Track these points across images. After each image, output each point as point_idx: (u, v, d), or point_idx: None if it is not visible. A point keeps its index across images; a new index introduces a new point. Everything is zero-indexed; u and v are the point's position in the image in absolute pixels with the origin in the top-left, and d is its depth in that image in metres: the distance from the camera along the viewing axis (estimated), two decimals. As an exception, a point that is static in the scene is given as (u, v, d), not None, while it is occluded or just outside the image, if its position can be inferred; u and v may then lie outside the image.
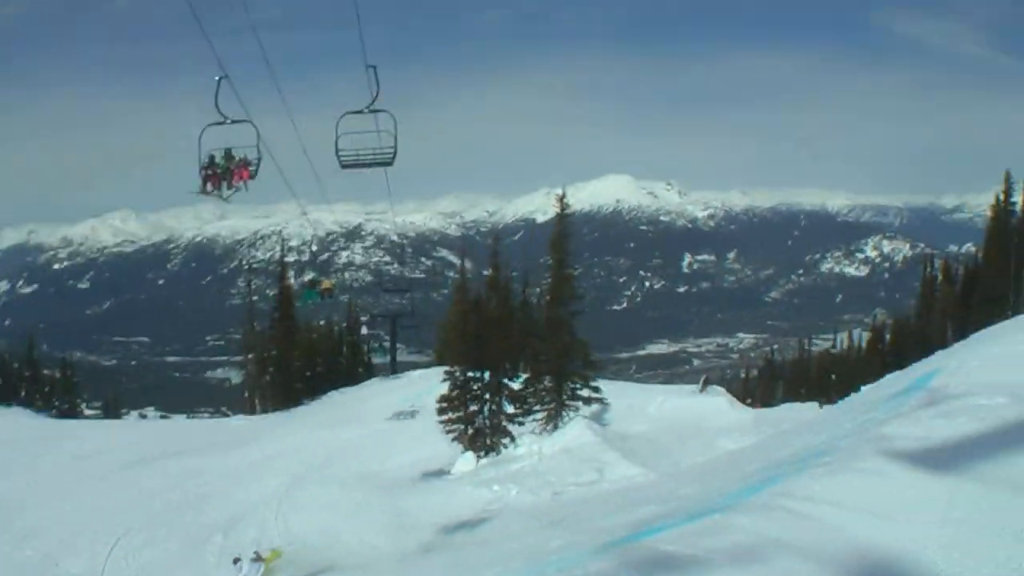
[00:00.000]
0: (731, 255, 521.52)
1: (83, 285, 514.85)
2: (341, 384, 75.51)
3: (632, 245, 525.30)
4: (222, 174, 21.40)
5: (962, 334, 48.82)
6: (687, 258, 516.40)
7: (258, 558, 27.03)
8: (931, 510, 13.29)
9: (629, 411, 46.96)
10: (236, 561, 27.08)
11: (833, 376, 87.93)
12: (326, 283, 48.49)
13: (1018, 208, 72.29)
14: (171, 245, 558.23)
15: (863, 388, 36.99)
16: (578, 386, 44.37)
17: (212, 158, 21.17)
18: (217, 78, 19.08)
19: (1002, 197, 73.30)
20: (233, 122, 19.95)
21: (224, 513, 34.90)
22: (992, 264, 72.05)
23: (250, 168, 21.34)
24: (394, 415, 55.12)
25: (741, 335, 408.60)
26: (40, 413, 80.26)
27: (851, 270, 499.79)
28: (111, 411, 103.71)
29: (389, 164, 21.31)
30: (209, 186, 21.47)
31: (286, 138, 21.91)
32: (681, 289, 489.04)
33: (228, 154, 21.28)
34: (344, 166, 21.14)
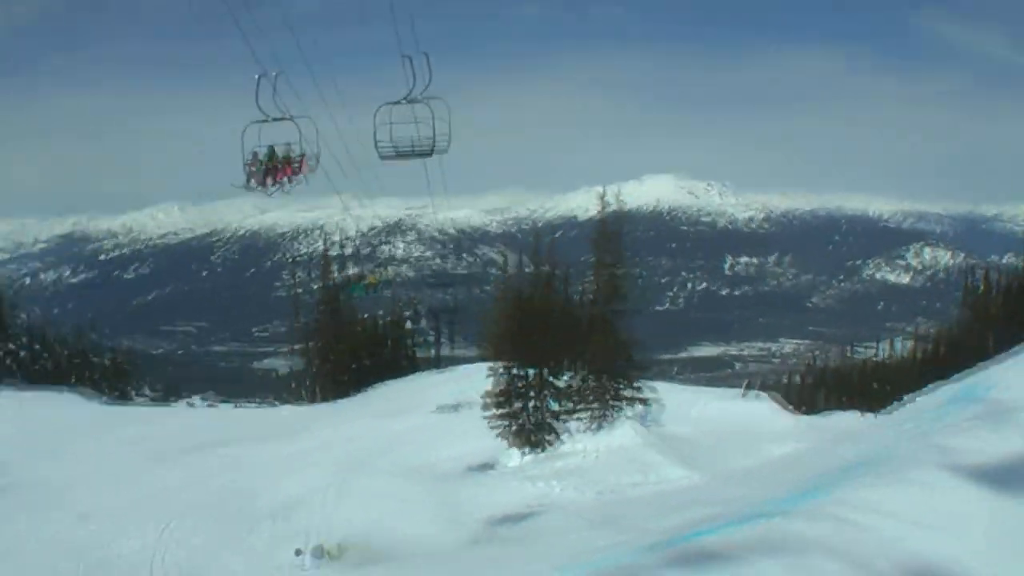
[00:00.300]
0: (772, 258, 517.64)
1: (129, 275, 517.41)
2: (386, 377, 75.43)
3: (674, 246, 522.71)
4: (266, 170, 21.56)
5: (1006, 345, 48.56)
6: (728, 260, 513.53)
7: (320, 551, 27.08)
8: (985, 525, 13.25)
9: (673, 413, 46.81)
10: (298, 553, 27.48)
11: (875, 384, 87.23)
12: (372, 278, 48.60)
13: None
14: (215, 238, 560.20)
15: (907, 398, 36.88)
16: (623, 386, 44.32)
17: (255, 154, 21.32)
18: (257, 76, 19.29)
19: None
20: (275, 120, 20.08)
21: (274, 501, 35.11)
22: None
23: (293, 165, 21.49)
24: (438, 408, 55.26)
25: (783, 340, 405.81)
26: (91, 399, 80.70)
27: (892, 277, 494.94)
28: (165, 397, 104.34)
29: (430, 155, 21.08)
30: (253, 182, 21.78)
31: (328, 131, 21.91)
32: (724, 292, 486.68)
33: (272, 151, 21.54)
34: (383, 158, 20.95)
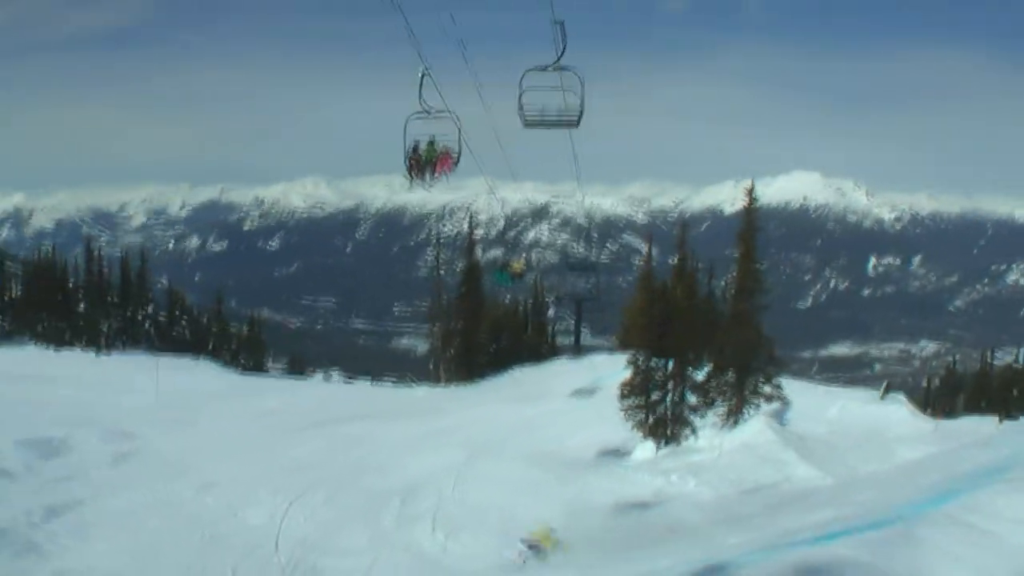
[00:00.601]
0: (916, 259, 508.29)
1: (272, 246, 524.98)
2: (524, 361, 75.65)
3: (819, 243, 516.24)
4: (425, 163, 22.19)
5: None
6: (872, 260, 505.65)
7: (534, 544, 27.03)
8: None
9: (809, 412, 46.48)
10: (524, 547, 27.14)
11: (1015, 391, 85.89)
12: (517, 265, 48.83)
13: None
14: (360, 213, 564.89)
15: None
16: (761, 382, 44.22)
17: (416, 146, 21.97)
18: (420, 73, 19.75)
19: None
20: (437, 112, 20.61)
21: (403, 479, 35.38)
22: None
23: (452, 158, 22.03)
24: (574, 392, 55.61)
25: (924, 342, 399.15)
26: (227, 368, 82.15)
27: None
28: (297, 369, 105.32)
29: (575, 126, 20.96)
30: (413, 173, 22.35)
31: (478, 116, 22.29)
32: (866, 291, 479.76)
33: (431, 144, 21.97)
34: (527, 125, 20.90)
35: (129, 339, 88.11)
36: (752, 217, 45.79)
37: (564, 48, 18.88)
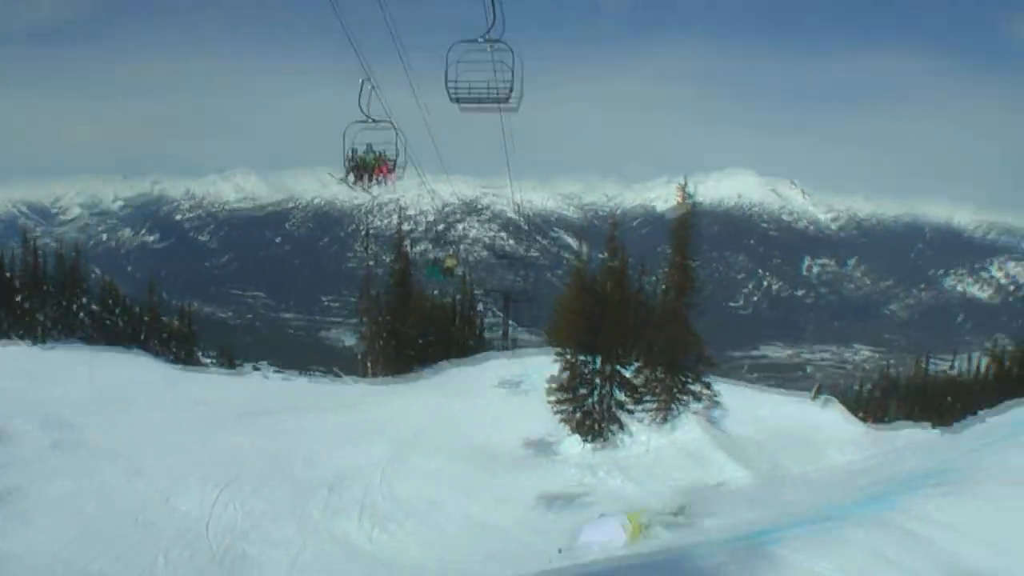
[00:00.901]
0: (852, 262, 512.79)
1: (204, 238, 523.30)
2: (453, 356, 75.08)
3: (752, 242, 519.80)
4: (362, 169, 22.18)
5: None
6: (807, 261, 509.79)
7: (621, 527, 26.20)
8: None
9: (739, 412, 46.74)
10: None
11: (949, 399, 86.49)
12: (450, 261, 48.58)
13: None
14: (291, 205, 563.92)
15: (979, 415, 36.59)
16: (691, 381, 44.26)
17: (355, 151, 21.78)
18: (361, 80, 19.50)
19: None
20: (375, 121, 20.43)
21: (331, 471, 35.78)
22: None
23: (389, 165, 22.02)
24: (502, 386, 55.35)
25: (858, 346, 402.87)
26: (159, 358, 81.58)
27: (975, 290, 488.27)
28: (226, 361, 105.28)
29: (507, 102, 20.17)
30: (351, 178, 22.51)
31: (410, 108, 21.97)
32: (800, 292, 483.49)
33: (369, 150, 22.19)
34: (456, 101, 20.20)
35: (65, 330, 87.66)
36: (684, 214, 45.96)
37: (495, 20, 18.08)
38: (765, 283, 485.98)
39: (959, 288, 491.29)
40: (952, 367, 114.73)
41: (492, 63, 18.91)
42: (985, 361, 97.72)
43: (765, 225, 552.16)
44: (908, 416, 72.88)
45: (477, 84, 19.49)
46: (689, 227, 45.59)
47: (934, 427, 50.33)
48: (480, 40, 18.53)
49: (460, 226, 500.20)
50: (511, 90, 19.33)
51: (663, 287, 46.75)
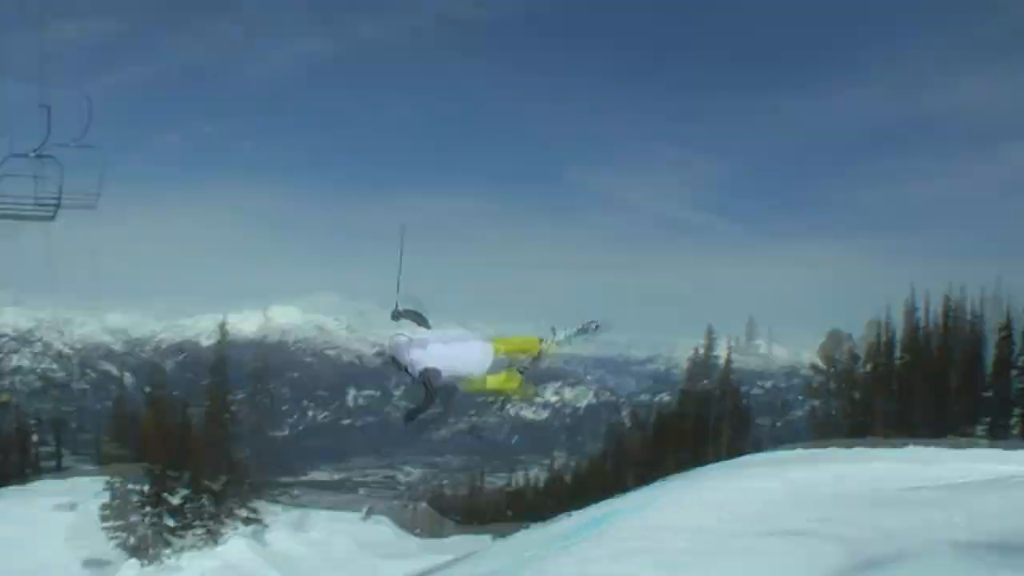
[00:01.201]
0: (398, 392, 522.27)
1: None
2: (5, 483, 71.90)
3: (296, 375, 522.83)
4: None
5: (643, 480, 50.64)
6: (352, 392, 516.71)
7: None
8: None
9: (291, 533, 46.99)
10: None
11: (509, 512, 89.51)
12: (3, 396, 47.43)
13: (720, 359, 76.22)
14: None
15: (533, 526, 37.90)
16: (237, 506, 44.74)
17: None
18: None
19: (702, 350, 76.98)
20: None
21: None
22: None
23: None
24: (55, 508, 53.63)
25: (408, 468, 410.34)
26: None
27: (529, 414, 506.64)
28: None
29: (52, 218, 19.20)
30: None
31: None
32: (346, 421, 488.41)
33: None
34: (5, 216, 19.08)
35: None
36: (223, 350, 47.17)
37: (48, 135, 17.36)
38: (310, 413, 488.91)
39: (512, 413, 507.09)
40: (508, 483, 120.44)
41: (37, 178, 18.11)
42: (544, 476, 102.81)
43: (309, 359, 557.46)
44: (470, 529, 74.76)
45: (24, 201, 18.58)
46: (226, 362, 46.95)
47: (493, 539, 51.80)
48: (31, 155, 17.81)
49: (15, 356, 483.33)
50: (58, 205, 18.51)
51: (207, 418, 47.60)
